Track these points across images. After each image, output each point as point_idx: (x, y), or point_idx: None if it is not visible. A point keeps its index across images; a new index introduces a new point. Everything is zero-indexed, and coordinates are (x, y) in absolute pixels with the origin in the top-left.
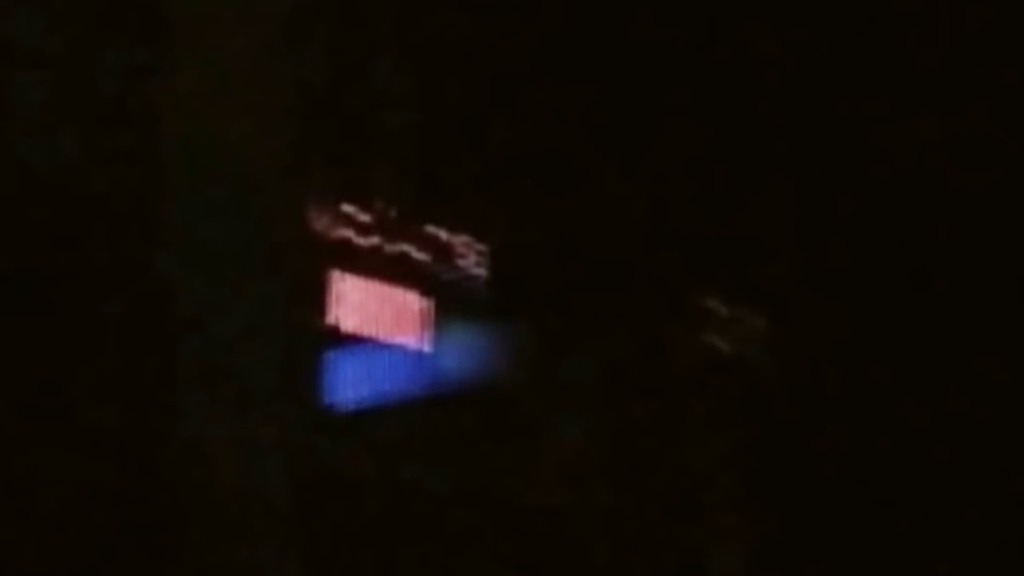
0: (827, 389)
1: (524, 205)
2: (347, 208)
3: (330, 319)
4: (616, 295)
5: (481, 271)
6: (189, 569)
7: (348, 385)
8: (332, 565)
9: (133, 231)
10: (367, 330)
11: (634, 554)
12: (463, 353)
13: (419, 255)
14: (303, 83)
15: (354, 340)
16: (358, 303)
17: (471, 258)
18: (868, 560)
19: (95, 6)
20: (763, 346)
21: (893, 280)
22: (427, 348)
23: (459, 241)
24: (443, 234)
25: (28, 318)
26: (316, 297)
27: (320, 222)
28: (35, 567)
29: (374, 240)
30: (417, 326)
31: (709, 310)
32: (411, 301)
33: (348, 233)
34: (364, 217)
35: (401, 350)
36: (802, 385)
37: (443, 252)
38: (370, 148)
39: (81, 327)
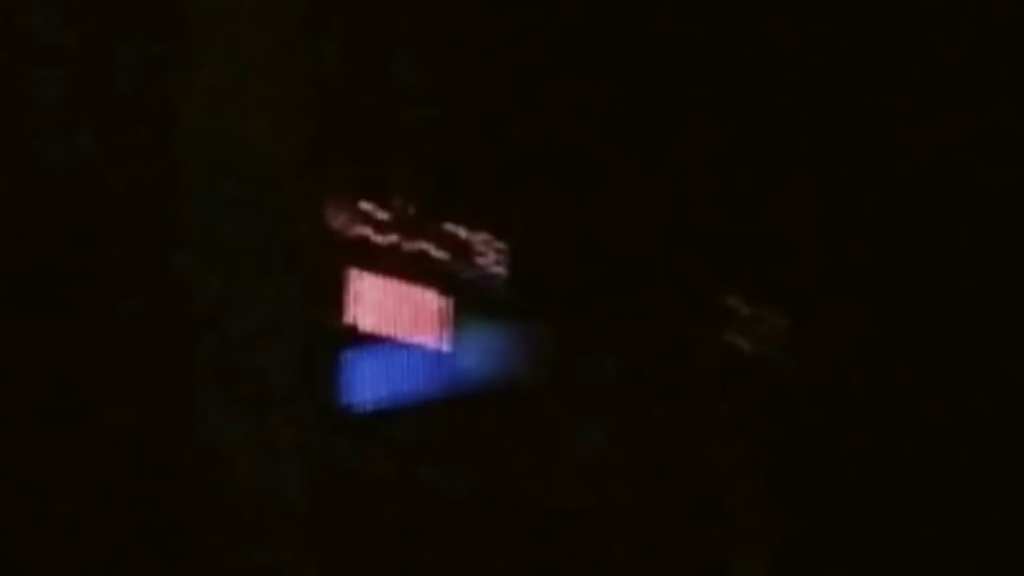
0: (850, 389)
1: (544, 203)
2: (365, 206)
3: (348, 318)
4: (637, 294)
5: (501, 270)
6: (206, 571)
7: (366, 385)
8: (350, 567)
9: (149, 229)
10: (385, 329)
11: (655, 556)
12: (482, 353)
13: (438, 253)
14: (320, 79)
15: (372, 340)
16: (376, 302)
17: (490, 256)
18: (891, 562)
19: (111, 2)
20: (785, 346)
21: (917, 279)
22: (446, 348)
23: (478, 239)
24: (462, 232)
25: (43, 317)
26: (334, 296)
27: (338, 220)
28: (51, 569)
29: (392, 238)
30: (436, 325)
31: (731, 309)
32: (430, 300)
33: (366, 231)
34: (382, 215)
35: (420, 350)
36: (824, 385)
37: (462, 250)
38: (388, 145)
39: (97, 326)
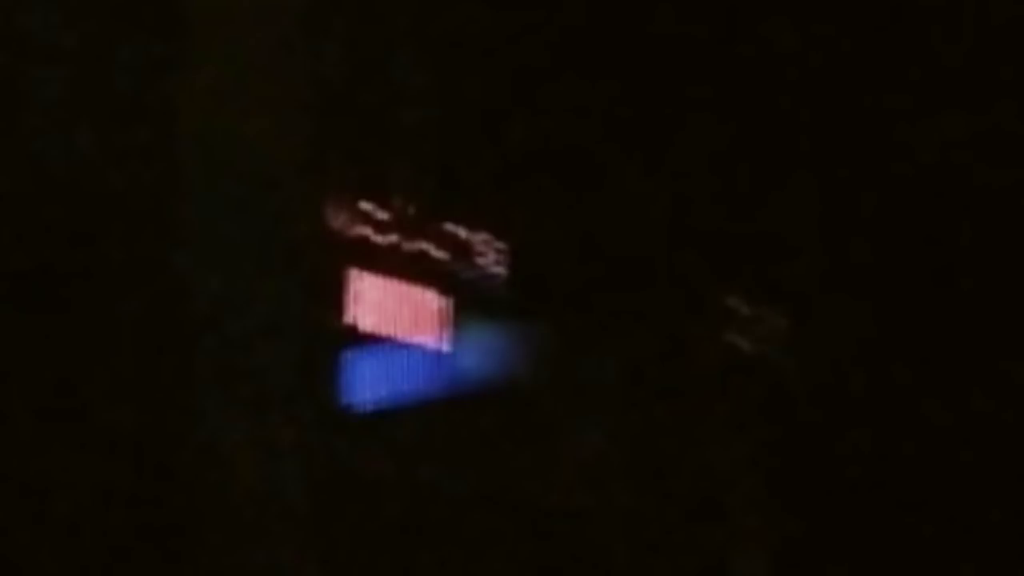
0: (850, 390)
1: (544, 203)
2: (365, 206)
3: (348, 318)
4: (637, 294)
5: (500, 270)
6: (206, 571)
7: (366, 385)
8: (350, 567)
9: (149, 229)
10: (385, 329)
11: (655, 556)
12: (482, 353)
13: (438, 253)
14: (321, 79)
15: (372, 340)
16: (376, 302)
17: (490, 256)
18: (890, 563)
19: (111, 2)
20: (785, 346)
21: (917, 279)
22: (446, 348)
23: (478, 239)
24: (462, 232)
25: (43, 317)
26: (334, 296)
27: (338, 220)
28: (51, 569)
29: (392, 238)
30: (436, 325)
31: (731, 309)
32: (430, 300)
33: (366, 231)
34: (382, 215)
35: (420, 350)
36: (824, 385)
37: (462, 250)
38: (388, 145)
39: (97, 326)
